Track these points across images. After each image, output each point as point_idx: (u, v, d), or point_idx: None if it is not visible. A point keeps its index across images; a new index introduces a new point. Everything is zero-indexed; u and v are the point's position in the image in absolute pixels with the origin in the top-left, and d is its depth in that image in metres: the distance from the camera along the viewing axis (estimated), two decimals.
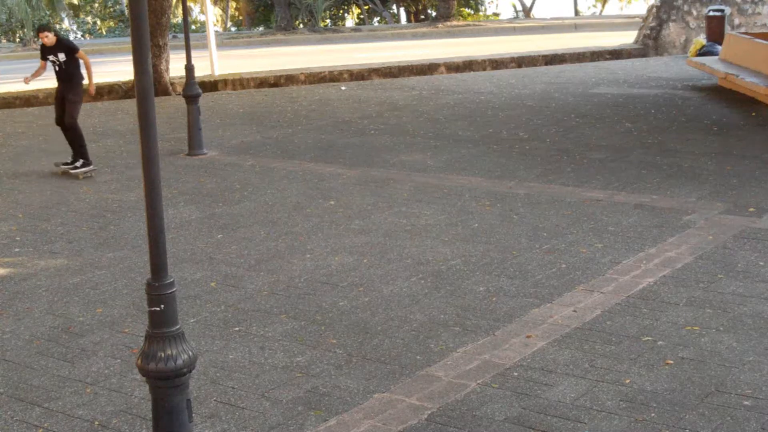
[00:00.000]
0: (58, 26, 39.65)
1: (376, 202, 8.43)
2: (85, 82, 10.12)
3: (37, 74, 10.18)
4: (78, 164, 9.94)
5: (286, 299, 5.96)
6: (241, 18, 45.14)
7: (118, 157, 11.13)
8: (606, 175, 9.19)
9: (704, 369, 4.68)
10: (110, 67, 21.06)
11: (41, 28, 9.77)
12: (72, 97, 9.84)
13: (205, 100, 14.08)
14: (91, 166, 10.04)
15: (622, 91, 15.34)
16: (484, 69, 19.61)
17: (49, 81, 17.89)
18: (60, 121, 10.00)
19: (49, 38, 9.68)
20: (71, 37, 40.54)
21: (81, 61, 9.91)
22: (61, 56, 9.77)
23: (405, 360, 4.95)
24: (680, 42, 21.44)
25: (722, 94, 14.58)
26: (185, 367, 3.43)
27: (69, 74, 9.86)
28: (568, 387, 4.55)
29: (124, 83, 16.79)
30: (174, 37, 24.81)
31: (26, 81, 10.20)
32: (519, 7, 45.31)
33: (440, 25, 32.68)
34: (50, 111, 15.41)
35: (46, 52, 9.85)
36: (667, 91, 15.11)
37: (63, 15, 37.86)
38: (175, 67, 16.53)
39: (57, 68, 9.86)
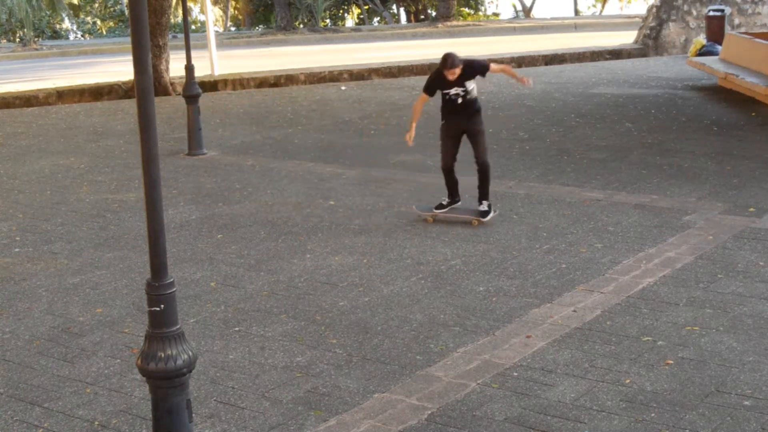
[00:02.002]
0: (57, 26, 39.62)
1: (376, 202, 8.43)
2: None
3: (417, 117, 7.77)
4: (485, 207, 7.59)
5: (286, 299, 5.96)
6: (241, 18, 45.15)
7: (118, 157, 11.13)
8: (606, 175, 9.19)
9: (704, 369, 4.68)
10: (110, 67, 21.07)
11: (450, 63, 7.28)
12: (481, 128, 7.59)
13: (205, 100, 14.07)
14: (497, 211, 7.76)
15: (622, 91, 15.34)
16: None
17: (48, 81, 17.93)
18: (451, 163, 7.72)
19: (455, 73, 7.33)
20: (71, 37, 40.51)
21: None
22: (470, 85, 7.49)
23: (405, 360, 4.95)
24: (680, 42, 21.44)
25: (722, 94, 14.57)
26: (185, 367, 3.42)
27: (472, 102, 7.59)
28: (568, 387, 4.55)
29: (124, 83, 16.79)
30: (174, 37, 24.82)
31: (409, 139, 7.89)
32: (519, 7, 45.34)
33: (440, 25, 32.71)
34: (49, 111, 15.47)
35: (445, 85, 7.45)
36: (667, 91, 15.11)
37: (63, 15, 37.86)
38: (175, 67, 16.53)
39: (460, 100, 7.51)
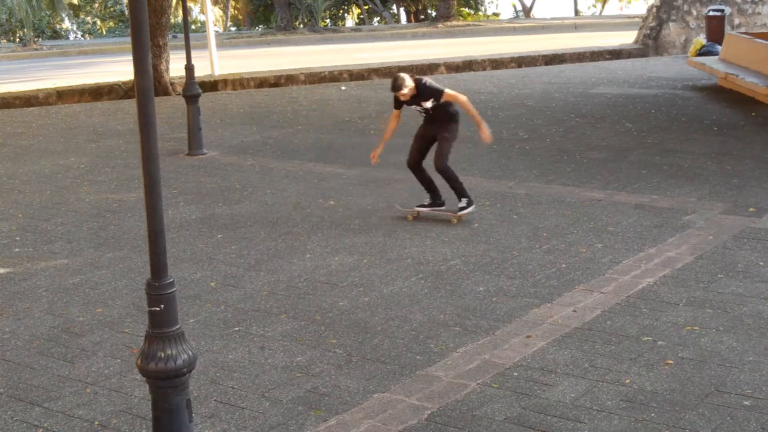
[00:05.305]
0: (57, 26, 39.64)
1: (376, 202, 8.43)
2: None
3: None
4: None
5: (286, 299, 5.96)
6: (241, 18, 45.18)
7: (118, 157, 11.13)
8: (606, 175, 9.19)
9: (704, 369, 4.68)
10: (110, 67, 21.07)
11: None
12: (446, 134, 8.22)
13: (205, 100, 14.08)
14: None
15: (622, 91, 15.34)
16: (484, 69, 19.60)
17: (48, 81, 17.93)
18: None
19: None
20: (71, 37, 40.52)
21: None
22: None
23: (405, 360, 4.95)
24: (680, 42, 21.45)
25: (722, 94, 14.58)
26: (185, 367, 3.42)
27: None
28: (568, 387, 4.55)
29: (124, 83, 16.78)
30: (174, 37, 24.82)
31: None
32: (519, 7, 45.38)
33: (440, 25, 32.72)
34: (49, 111, 15.47)
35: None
36: (667, 91, 15.11)
37: (63, 15, 37.86)
38: (175, 67, 16.53)
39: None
